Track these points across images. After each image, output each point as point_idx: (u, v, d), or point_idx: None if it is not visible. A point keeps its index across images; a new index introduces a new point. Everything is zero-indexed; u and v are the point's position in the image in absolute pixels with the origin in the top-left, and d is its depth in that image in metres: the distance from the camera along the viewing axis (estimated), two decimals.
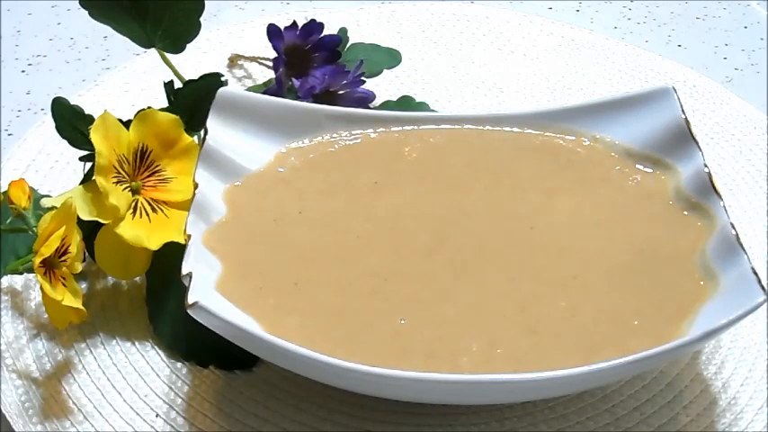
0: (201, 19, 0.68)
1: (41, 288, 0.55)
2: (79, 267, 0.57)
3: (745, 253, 0.55)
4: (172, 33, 0.68)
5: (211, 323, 0.53)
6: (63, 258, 0.56)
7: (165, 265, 0.59)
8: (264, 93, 0.68)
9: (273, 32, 0.71)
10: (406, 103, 0.73)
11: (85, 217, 0.58)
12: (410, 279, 0.58)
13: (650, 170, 0.63)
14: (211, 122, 0.62)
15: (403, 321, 0.56)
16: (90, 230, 0.59)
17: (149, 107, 0.62)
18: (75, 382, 0.59)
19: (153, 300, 0.61)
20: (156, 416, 0.58)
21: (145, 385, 0.59)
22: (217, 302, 0.54)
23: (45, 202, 0.59)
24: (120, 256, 0.60)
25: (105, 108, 0.61)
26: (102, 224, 0.58)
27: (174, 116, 0.61)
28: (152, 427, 0.57)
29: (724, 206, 0.59)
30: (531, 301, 0.57)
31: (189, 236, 0.56)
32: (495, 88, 0.78)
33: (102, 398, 0.58)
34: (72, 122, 0.62)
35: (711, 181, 0.60)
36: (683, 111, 0.63)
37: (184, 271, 0.54)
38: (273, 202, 0.62)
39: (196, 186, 0.59)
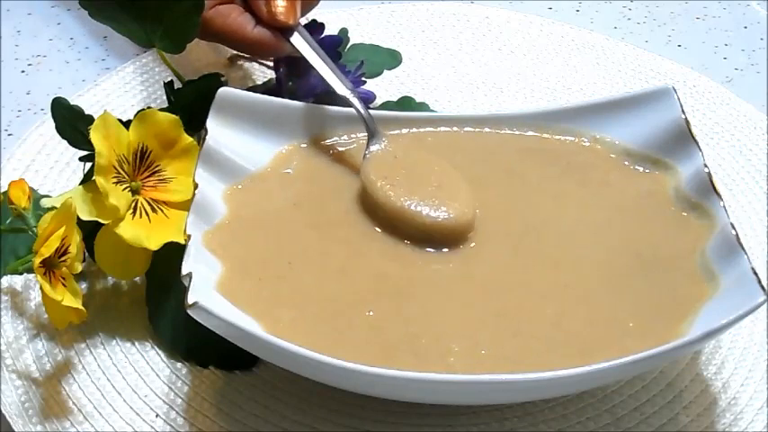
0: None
1: (41, 288, 0.55)
2: (79, 267, 0.57)
3: (745, 253, 0.55)
4: (172, 33, 0.68)
5: (211, 323, 0.53)
6: (63, 258, 0.56)
7: (165, 265, 0.59)
8: (264, 93, 0.68)
9: None
10: (406, 103, 0.73)
11: (85, 217, 0.58)
12: (378, 274, 0.58)
13: (650, 170, 0.63)
14: (211, 122, 0.62)
15: (370, 313, 0.56)
16: (90, 230, 0.59)
17: (149, 107, 0.62)
18: (75, 382, 0.59)
19: (153, 300, 0.61)
20: (156, 416, 0.58)
21: (145, 385, 0.59)
22: (217, 302, 0.54)
23: (45, 202, 0.59)
24: (120, 256, 0.60)
25: (105, 108, 0.61)
26: (102, 224, 0.58)
27: (173, 116, 0.61)
28: (152, 427, 0.57)
29: (724, 206, 0.59)
30: (511, 308, 0.57)
31: (189, 236, 0.56)
32: (495, 88, 0.78)
33: (102, 398, 0.58)
34: (72, 122, 0.62)
35: (711, 181, 0.60)
36: (683, 111, 0.63)
37: (184, 271, 0.54)
38: (273, 203, 0.62)
39: (196, 186, 0.59)
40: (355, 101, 0.64)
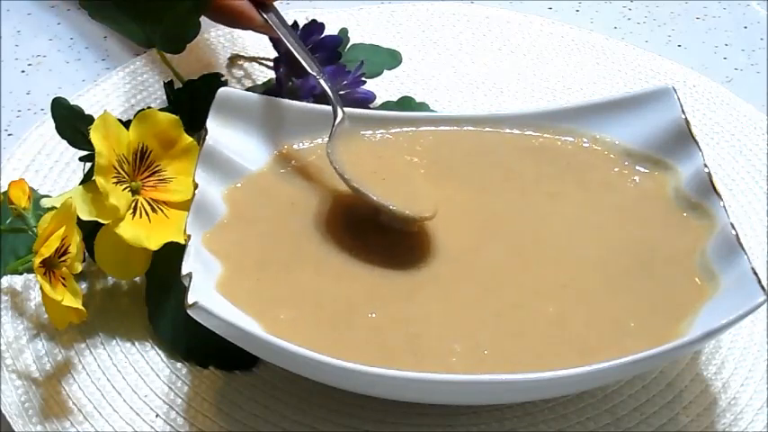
0: (201, 19, 0.69)
1: (41, 288, 0.55)
2: (79, 267, 0.57)
3: (745, 253, 0.55)
4: (172, 33, 0.68)
5: (211, 323, 0.53)
6: (63, 258, 0.56)
7: (165, 265, 0.59)
8: (264, 93, 0.68)
9: None
10: (406, 103, 0.73)
11: (85, 217, 0.58)
12: (377, 274, 0.58)
13: (650, 171, 0.63)
14: (211, 122, 0.62)
15: (372, 315, 0.56)
16: (90, 230, 0.59)
17: (149, 107, 0.62)
18: (75, 382, 0.59)
19: (153, 300, 0.61)
20: (156, 416, 0.58)
21: (145, 385, 0.59)
22: (217, 302, 0.54)
23: (45, 202, 0.59)
24: (120, 256, 0.60)
25: (105, 108, 0.61)
26: (102, 224, 0.58)
27: (173, 116, 0.61)
28: (152, 427, 0.57)
29: (724, 206, 0.59)
30: (511, 308, 0.57)
31: (189, 236, 0.56)
32: (495, 88, 0.78)
33: (102, 398, 0.58)
34: (72, 122, 0.62)
35: (711, 181, 0.60)
36: (683, 111, 0.63)
37: (184, 271, 0.54)
38: (273, 203, 0.62)
39: (196, 186, 0.59)
40: (323, 82, 0.65)
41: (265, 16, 0.68)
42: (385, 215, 0.60)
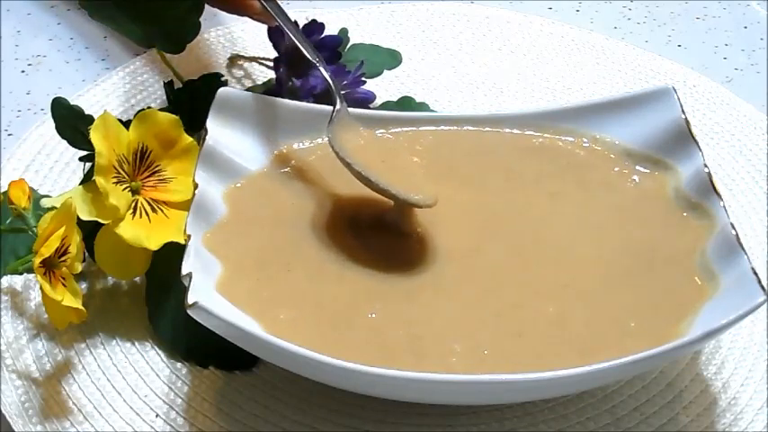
0: (201, 19, 0.69)
1: (41, 288, 0.55)
2: (79, 267, 0.57)
3: (745, 253, 0.55)
4: (172, 33, 0.68)
5: (211, 323, 0.53)
6: (63, 258, 0.56)
7: (165, 265, 0.59)
8: (264, 93, 0.68)
9: (274, 32, 0.71)
10: (406, 103, 0.73)
11: (85, 217, 0.58)
12: (378, 274, 0.58)
13: (650, 171, 0.63)
14: (211, 122, 0.62)
15: (372, 315, 0.56)
16: (90, 230, 0.59)
17: (149, 107, 0.62)
18: (75, 382, 0.59)
19: (153, 300, 0.61)
20: (156, 416, 0.58)
21: (145, 385, 0.59)
22: (217, 302, 0.54)
23: (45, 202, 0.59)
24: (120, 256, 0.60)
25: (105, 108, 0.61)
26: (102, 224, 0.58)
27: (173, 116, 0.61)
28: (152, 427, 0.57)
29: (724, 206, 0.59)
30: (511, 308, 0.57)
31: (189, 236, 0.56)
32: (495, 88, 0.78)
33: (102, 398, 0.58)
34: (72, 122, 0.62)
35: (711, 181, 0.60)
36: (683, 111, 0.63)
37: (184, 271, 0.54)
38: (273, 203, 0.62)
39: (196, 186, 0.59)
40: (323, 70, 0.65)
41: (264, 4, 0.68)
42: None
